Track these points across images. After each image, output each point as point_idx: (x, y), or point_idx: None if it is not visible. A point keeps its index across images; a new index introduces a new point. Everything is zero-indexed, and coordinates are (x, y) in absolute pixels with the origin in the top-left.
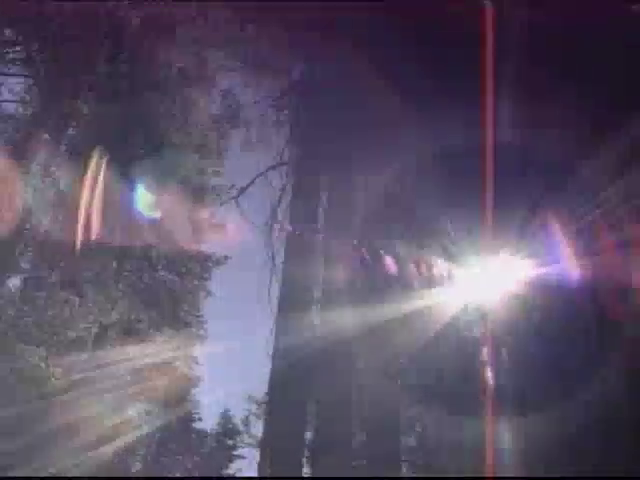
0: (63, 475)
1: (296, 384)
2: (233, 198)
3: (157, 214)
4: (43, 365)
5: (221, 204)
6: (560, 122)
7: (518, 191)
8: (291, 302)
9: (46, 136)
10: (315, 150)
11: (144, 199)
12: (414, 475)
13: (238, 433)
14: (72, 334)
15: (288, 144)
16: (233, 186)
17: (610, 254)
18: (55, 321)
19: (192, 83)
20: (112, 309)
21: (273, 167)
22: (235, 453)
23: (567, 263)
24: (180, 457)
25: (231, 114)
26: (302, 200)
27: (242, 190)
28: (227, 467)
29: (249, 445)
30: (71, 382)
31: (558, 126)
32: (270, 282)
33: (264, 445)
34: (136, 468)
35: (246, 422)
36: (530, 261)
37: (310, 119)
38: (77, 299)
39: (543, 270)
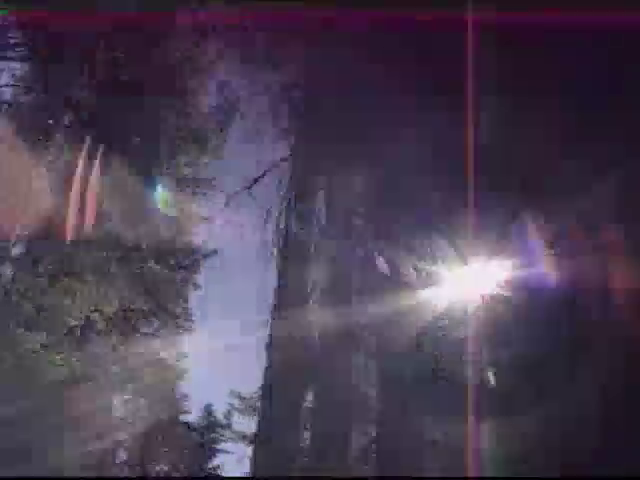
0: (60, 471)
1: (291, 380)
2: (246, 188)
3: (155, 204)
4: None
5: (233, 194)
6: (541, 125)
7: (500, 193)
8: (288, 295)
9: (44, 123)
10: (314, 147)
11: (143, 189)
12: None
13: (222, 427)
14: (69, 322)
15: (290, 138)
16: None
17: (592, 257)
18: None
19: (191, 74)
20: (107, 298)
21: (284, 160)
22: (218, 447)
23: (548, 265)
24: (165, 449)
25: (231, 106)
26: (301, 195)
27: (255, 180)
28: (210, 461)
29: (231, 439)
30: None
31: (540, 129)
32: (265, 275)
33: (258, 441)
34: (120, 457)
35: (228, 416)
36: (512, 262)
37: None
38: (78, 286)
39: (525, 272)
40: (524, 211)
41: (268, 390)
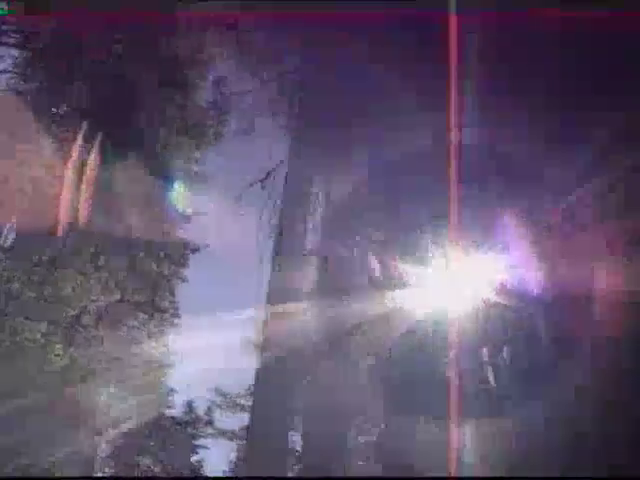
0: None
1: (283, 379)
2: (260, 180)
3: (149, 197)
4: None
5: (250, 185)
6: (526, 123)
7: (485, 192)
8: (280, 294)
9: (41, 112)
10: (311, 146)
11: (137, 181)
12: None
13: (205, 423)
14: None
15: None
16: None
17: (576, 256)
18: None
19: (190, 67)
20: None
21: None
22: (202, 443)
23: (533, 266)
24: (149, 442)
25: (228, 101)
26: (296, 193)
27: (268, 174)
28: (193, 455)
29: (212, 435)
30: None
31: (525, 127)
32: (259, 272)
33: (249, 440)
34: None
35: (211, 413)
36: (496, 263)
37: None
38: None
39: (509, 274)
40: (511, 211)
41: (260, 389)
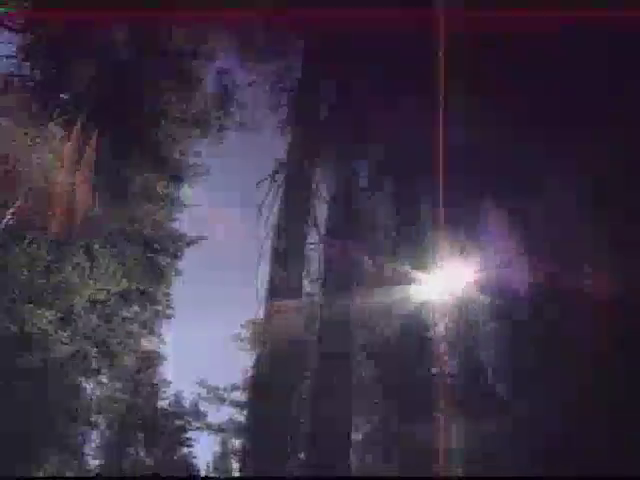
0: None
1: (282, 375)
2: (274, 173)
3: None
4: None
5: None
6: (509, 124)
7: (470, 192)
8: (279, 289)
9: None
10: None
11: (135, 173)
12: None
13: (193, 415)
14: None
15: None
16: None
17: (558, 256)
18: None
19: (194, 59)
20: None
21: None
22: (192, 435)
23: (517, 264)
24: (139, 434)
25: (231, 94)
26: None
27: (281, 166)
28: (183, 448)
29: (199, 429)
30: None
31: (508, 128)
32: (258, 265)
33: (248, 437)
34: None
35: (206, 406)
36: (481, 262)
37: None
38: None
39: (494, 272)
40: (494, 212)
41: (259, 387)
